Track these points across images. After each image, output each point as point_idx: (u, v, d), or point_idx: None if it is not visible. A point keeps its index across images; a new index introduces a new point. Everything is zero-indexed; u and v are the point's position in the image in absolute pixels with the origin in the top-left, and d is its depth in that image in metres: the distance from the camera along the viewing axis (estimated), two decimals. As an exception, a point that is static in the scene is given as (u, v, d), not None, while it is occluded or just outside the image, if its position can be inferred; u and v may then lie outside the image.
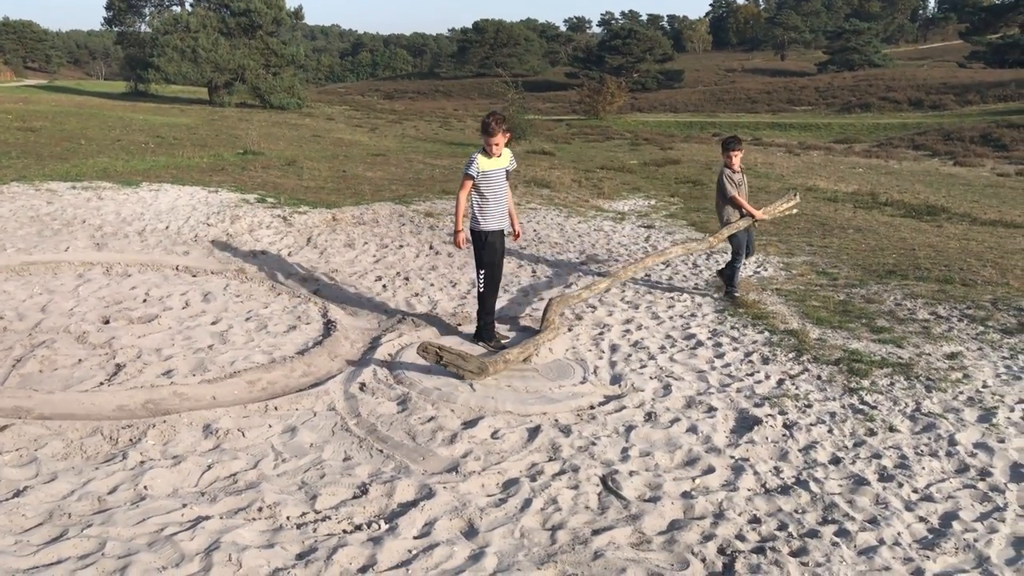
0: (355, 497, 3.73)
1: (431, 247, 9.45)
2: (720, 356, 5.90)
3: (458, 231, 5.89)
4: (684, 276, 8.55)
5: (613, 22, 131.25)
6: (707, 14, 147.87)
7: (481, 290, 5.96)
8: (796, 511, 3.73)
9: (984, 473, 4.12)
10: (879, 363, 5.68)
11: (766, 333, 6.42)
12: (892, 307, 7.19)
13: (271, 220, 10.15)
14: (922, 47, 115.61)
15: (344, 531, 3.44)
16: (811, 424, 4.71)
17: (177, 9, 44.85)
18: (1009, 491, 3.94)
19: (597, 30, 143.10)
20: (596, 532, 3.51)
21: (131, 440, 4.16)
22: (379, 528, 3.46)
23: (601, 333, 6.42)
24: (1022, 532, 3.59)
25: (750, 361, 5.80)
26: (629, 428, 4.61)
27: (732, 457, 4.28)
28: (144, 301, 6.67)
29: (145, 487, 3.69)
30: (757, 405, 4.98)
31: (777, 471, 4.14)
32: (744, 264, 7.76)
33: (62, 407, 4.50)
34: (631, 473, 4.05)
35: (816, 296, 7.60)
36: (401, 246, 9.45)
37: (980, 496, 3.90)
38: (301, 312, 6.69)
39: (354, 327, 6.45)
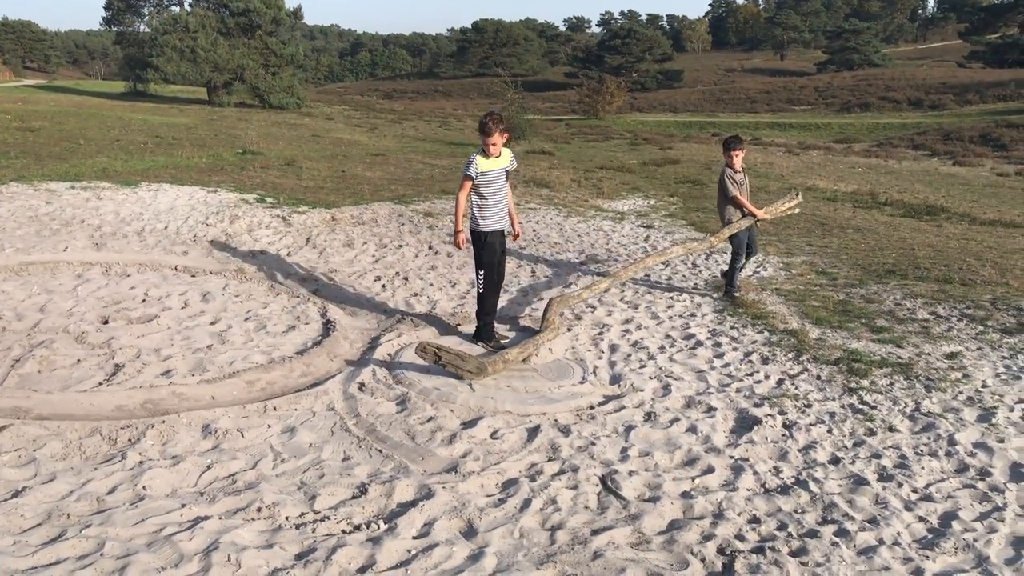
0: (354, 497, 3.72)
1: (430, 247, 9.45)
2: (720, 356, 5.90)
3: (458, 231, 5.89)
4: (683, 276, 8.54)
5: (612, 22, 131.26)
6: (706, 14, 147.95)
7: (480, 290, 5.95)
8: (796, 511, 3.73)
9: (983, 473, 4.12)
10: (879, 363, 5.68)
11: (765, 333, 6.42)
12: (892, 307, 7.19)
13: (270, 220, 10.15)
14: (921, 47, 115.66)
15: (343, 531, 3.44)
16: (811, 424, 4.71)
17: (176, 9, 44.87)
18: (1008, 491, 3.94)
19: (596, 30, 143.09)
20: (595, 532, 3.50)
21: (130, 440, 4.15)
22: (378, 528, 3.46)
23: (600, 333, 6.41)
24: (1021, 532, 3.59)
25: (750, 361, 5.80)
26: (628, 428, 4.61)
27: (732, 457, 4.28)
28: (143, 301, 6.67)
29: (144, 487, 3.69)
30: (757, 405, 4.98)
31: (777, 471, 4.14)
32: (743, 265, 7.74)
33: (61, 407, 4.49)
34: (630, 473, 4.05)
35: (816, 296, 7.60)
36: (400, 246, 9.44)
37: (979, 496, 3.90)
38: (300, 312, 6.69)
39: (353, 327, 6.44)
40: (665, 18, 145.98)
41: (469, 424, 4.58)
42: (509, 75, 60.53)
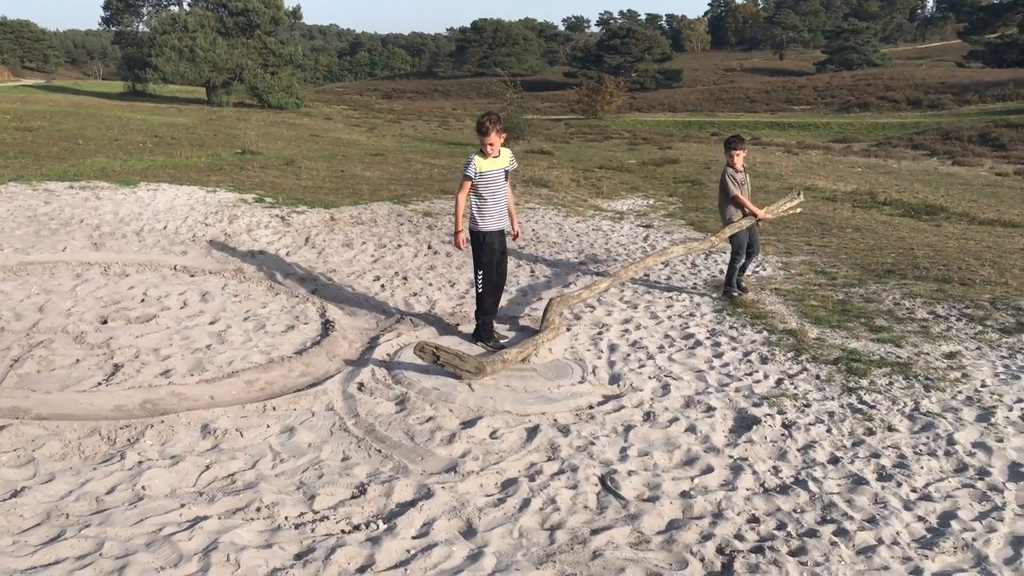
0: (353, 497, 3.72)
1: (429, 247, 9.44)
2: (719, 356, 5.90)
3: (458, 231, 5.88)
4: (683, 276, 8.54)
5: (612, 21, 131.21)
6: (706, 13, 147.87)
7: (479, 290, 5.95)
8: (795, 511, 3.73)
9: (983, 472, 4.12)
10: (878, 362, 5.68)
11: (765, 333, 6.42)
12: (891, 306, 7.20)
13: (269, 220, 10.14)
14: (920, 47, 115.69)
15: (342, 531, 3.44)
16: (810, 424, 4.71)
17: (175, 9, 44.81)
18: (1008, 490, 3.94)
19: (596, 29, 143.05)
20: (595, 532, 3.50)
21: (129, 440, 4.15)
22: (377, 528, 3.46)
23: (600, 333, 6.41)
24: (1020, 531, 3.59)
25: (749, 361, 5.80)
26: (628, 428, 4.60)
27: (731, 457, 4.28)
28: (142, 301, 6.67)
29: (143, 487, 3.68)
30: (756, 405, 4.98)
31: (776, 471, 4.14)
32: (745, 265, 7.72)
33: (60, 407, 4.49)
34: (630, 473, 4.05)
35: (815, 295, 7.60)
36: (399, 246, 9.44)
37: (979, 495, 3.90)
38: (299, 312, 6.68)
39: (352, 327, 6.44)
40: (664, 18, 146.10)
41: (468, 424, 4.58)
42: (508, 75, 60.49)
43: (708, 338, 6.31)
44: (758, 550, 3.38)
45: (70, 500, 3.53)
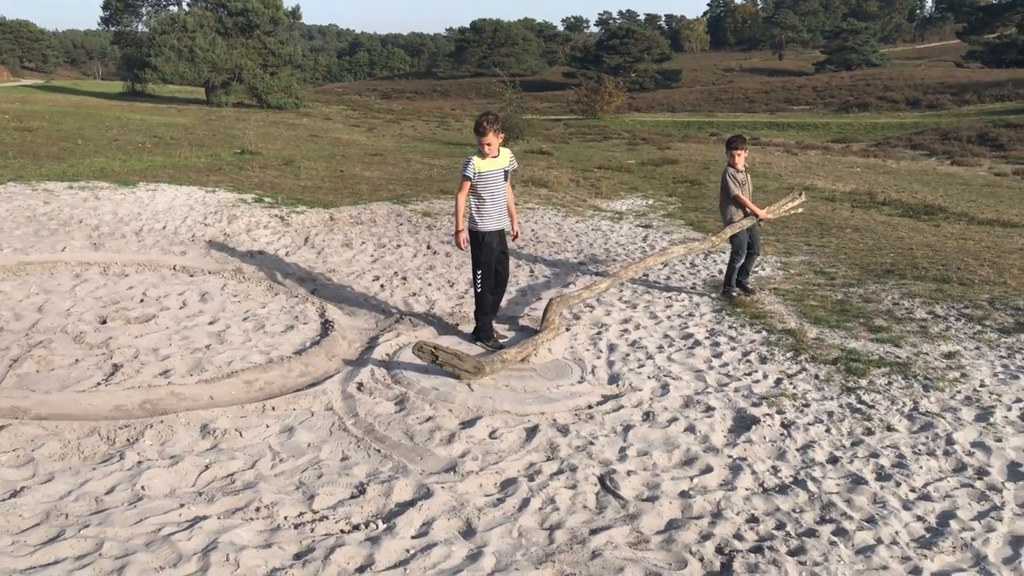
0: (353, 497, 3.72)
1: (429, 247, 9.45)
2: (718, 356, 5.91)
3: (458, 231, 5.88)
4: (682, 276, 8.55)
5: (611, 22, 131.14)
6: (705, 14, 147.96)
7: (478, 290, 5.95)
8: (794, 510, 3.74)
9: (982, 472, 4.13)
10: (877, 362, 5.68)
11: (764, 332, 6.42)
12: (890, 306, 7.20)
13: (268, 220, 10.14)
14: (919, 47, 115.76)
15: (342, 531, 3.44)
16: (809, 423, 4.71)
17: (174, 9, 44.79)
18: (1007, 490, 3.94)
19: (595, 30, 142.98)
20: (594, 531, 3.50)
21: (128, 440, 4.15)
22: (377, 528, 3.46)
23: (599, 333, 6.42)
24: (1019, 531, 3.60)
25: (748, 360, 5.80)
26: (627, 428, 4.61)
27: (730, 456, 4.28)
28: (141, 301, 6.66)
29: (142, 487, 3.68)
30: (755, 404, 4.98)
31: (775, 470, 4.14)
32: (747, 265, 7.69)
33: (59, 407, 4.49)
34: (629, 472, 4.05)
35: (814, 295, 7.60)
36: (399, 246, 9.44)
37: (978, 495, 3.91)
38: (299, 312, 6.68)
39: (352, 327, 6.44)
40: (663, 18, 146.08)
41: (468, 424, 4.58)
42: (507, 75, 60.59)
43: (707, 338, 6.31)
44: (757, 550, 3.39)
45: (69, 500, 3.53)
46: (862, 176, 22.02)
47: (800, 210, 8.65)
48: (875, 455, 4.31)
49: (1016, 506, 3.80)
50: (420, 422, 4.59)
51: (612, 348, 6.04)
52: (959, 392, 5.17)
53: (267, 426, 4.45)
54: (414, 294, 7.46)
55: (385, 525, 3.48)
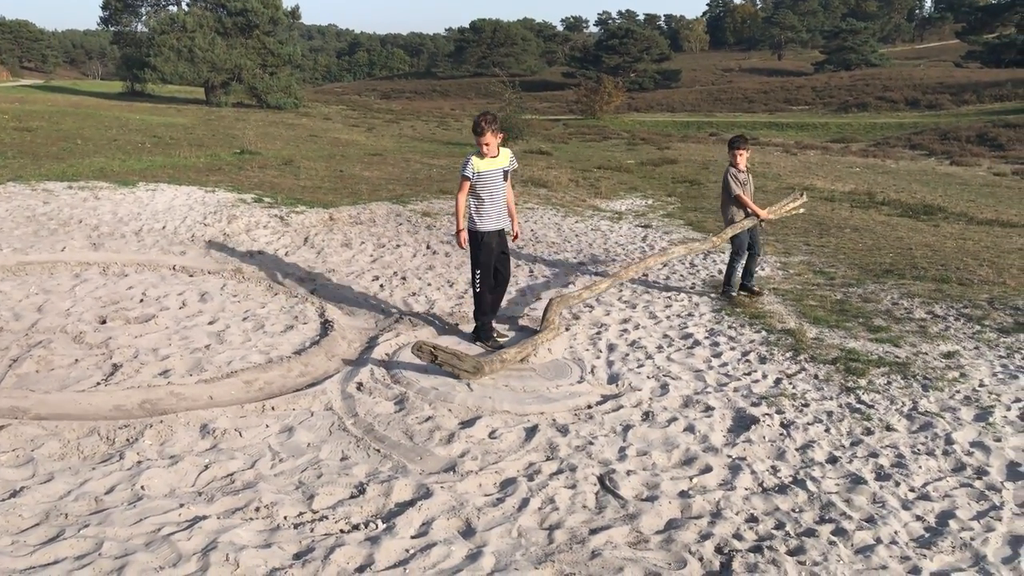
0: (352, 497, 3.72)
1: (428, 247, 9.45)
2: (717, 355, 5.91)
3: (459, 230, 5.89)
4: (681, 276, 8.55)
5: (610, 22, 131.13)
6: (704, 14, 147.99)
7: (477, 290, 5.95)
8: (793, 510, 3.74)
9: (981, 472, 4.13)
10: (876, 362, 5.69)
11: (763, 332, 6.43)
12: (889, 306, 7.20)
13: (268, 220, 10.14)
14: (919, 47, 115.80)
15: (341, 531, 3.44)
16: (808, 423, 4.71)
17: (174, 9, 44.75)
18: (1006, 490, 3.94)
19: (594, 30, 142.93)
20: (594, 531, 3.51)
21: (128, 440, 4.15)
22: (376, 528, 3.46)
23: (598, 332, 6.42)
24: (1018, 531, 3.60)
25: (747, 360, 5.80)
26: (626, 427, 4.61)
27: (729, 456, 4.28)
28: (141, 301, 6.66)
29: (142, 487, 3.68)
30: (754, 404, 4.98)
31: (774, 470, 4.14)
32: (748, 266, 7.69)
33: (59, 407, 4.49)
34: (628, 472, 4.06)
35: (813, 295, 7.61)
36: (398, 246, 9.44)
37: (977, 495, 3.91)
38: (298, 312, 6.68)
39: (351, 327, 6.44)
40: (663, 18, 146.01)
41: (467, 424, 4.59)
42: (507, 75, 60.56)
43: (707, 338, 6.32)
44: (757, 549, 3.39)
45: (69, 500, 3.53)
46: (861, 176, 22.02)
47: (801, 211, 8.66)
48: (874, 455, 4.31)
49: (1015, 506, 3.81)
50: (420, 422, 4.59)
51: (612, 348, 6.05)
52: (958, 392, 5.18)
53: (267, 426, 4.45)
54: (413, 294, 7.46)
55: (385, 525, 3.48)
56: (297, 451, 4.18)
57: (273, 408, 4.69)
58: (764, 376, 5.48)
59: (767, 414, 4.82)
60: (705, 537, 3.49)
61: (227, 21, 42.36)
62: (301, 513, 3.56)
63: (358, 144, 24.33)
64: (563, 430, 4.54)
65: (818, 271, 8.70)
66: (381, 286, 7.74)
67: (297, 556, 3.21)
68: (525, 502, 3.72)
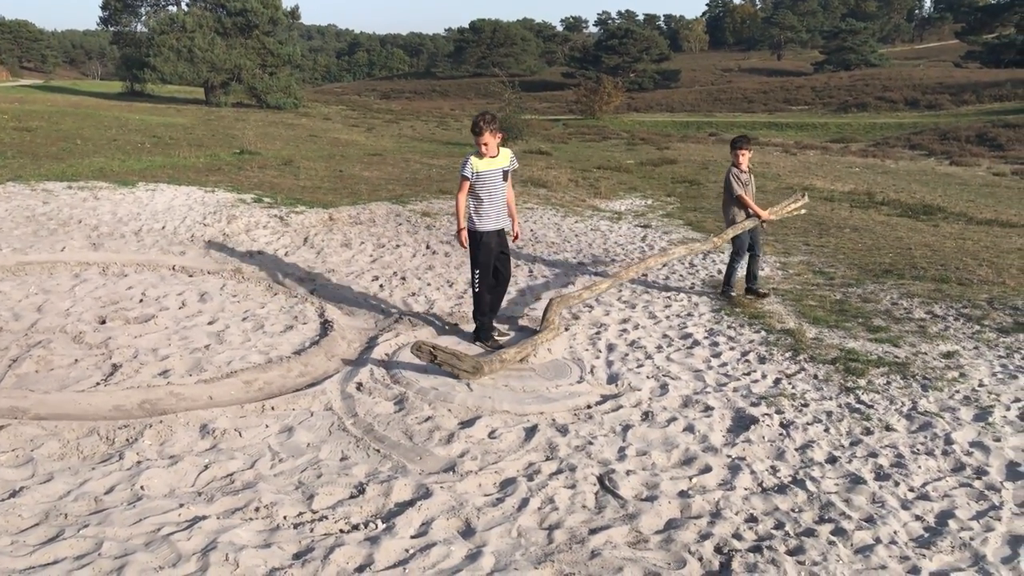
0: (352, 497, 3.72)
1: (428, 247, 9.45)
2: (717, 355, 5.91)
3: (460, 230, 5.89)
4: (681, 276, 8.55)
5: (610, 22, 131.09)
6: (703, 14, 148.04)
7: (476, 290, 5.96)
8: (793, 510, 3.74)
9: (980, 472, 4.13)
10: (875, 362, 5.69)
11: (763, 332, 6.43)
12: (888, 306, 7.21)
13: (268, 220, 10.14)
14: (918, 47, 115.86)
15: (341, 531, 3.44)
16: (808, 423, 4.71)
17: (173, 9, 44.76)
18: (1005, 490, 3.95)
19: (594, 30, 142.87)
20: (593, 531, 3.51)
21: (128, 440, 4.15)
22: (376, 528, 3.46)
23: (598, 332, 6.42)
24: (1018, 530, 3.60)
25: (747, 360, 5.80)
26: (626, 427, 4.61)
27: (729, 456, 4.29)
28: (140, 301, 6.66)
29: (142, 487, 3.68)
30: (754, 404, 4.98)
31: (774, 470, 4.14)
32: (748, 266, 7.68)
33: (58, 407, 4.49)
34: (628, 472, 4.06)
35: (813, 295, 7.61)
36: (398, 246, 9.44)
37: (976, 495, 3.91)
38: (298, 312, 6.68)
39: (351, 327, 6.44)
40: (662, 18, 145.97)
41: (467, 424, 4.59)
42: (506, 75, 60.54)
43: (706, 338, 6.32)
44: (756, 549, 3.39)
45: (69, 500, 3.53)
46: (861, 176, 22.03)
47: (803, 211, 8.66)
48: (874, 455, 4.31)
49: (1014, 506, 3.81)
50: (419, 422, 4.59)
51: (611, 348, 6.05)
52: (958, 392, 5.18)
53: (266, 426, 4.45)
54: (413, 294, 7.46)
55: (384, 525, 3.48)
56: (297, 451, 4.18)
57: (273, 408, 4.69)
58: (763, 376, 5.48)
59: (766, 414, 4.82)
60: (705, 537, 3.49)
61: (227, 21, 42.36)
62: (301, 513, 3.56)
63: (358, 144, 24.33)
64: (563, 430, 4.54)
65: (817, 271, 8.70)
66: (381, 286, 7.74)
67: (297, 556, 3.22)
68: (525, 502, 3.72)
